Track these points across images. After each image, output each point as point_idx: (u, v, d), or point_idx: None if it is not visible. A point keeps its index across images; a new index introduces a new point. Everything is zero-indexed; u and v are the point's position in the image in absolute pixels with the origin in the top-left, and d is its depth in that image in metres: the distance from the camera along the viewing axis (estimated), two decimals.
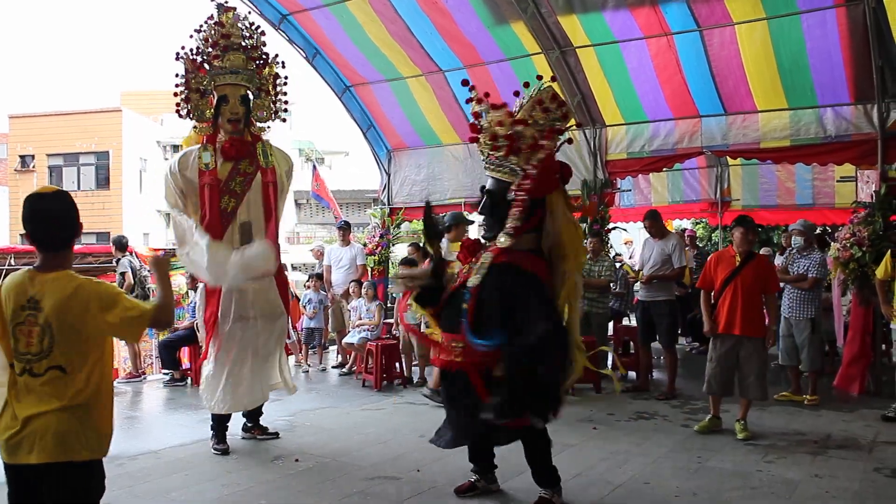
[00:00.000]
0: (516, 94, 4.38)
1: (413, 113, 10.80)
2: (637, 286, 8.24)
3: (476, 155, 10.50)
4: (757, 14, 7.79)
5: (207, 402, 5.59)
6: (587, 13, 8.58)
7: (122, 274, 9.38)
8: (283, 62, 5.97)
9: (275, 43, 10.08)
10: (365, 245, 11.08)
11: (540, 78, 4.42)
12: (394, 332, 9.11)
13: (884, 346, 7.87)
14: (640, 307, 7.99)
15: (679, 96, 8.94)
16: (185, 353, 9.39)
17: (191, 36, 5.67)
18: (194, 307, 9.53)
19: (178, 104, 5.68)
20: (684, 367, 8.35)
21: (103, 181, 28.54)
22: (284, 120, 6.05)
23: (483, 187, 4.38)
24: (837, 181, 11.66)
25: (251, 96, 5.77)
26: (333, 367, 9.71)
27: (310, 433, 6.30)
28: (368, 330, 8.80)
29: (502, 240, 4.15)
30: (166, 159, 29.84)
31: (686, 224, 16.56)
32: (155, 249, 14.88)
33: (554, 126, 4.26)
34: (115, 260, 9.89)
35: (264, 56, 5.84)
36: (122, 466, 5.25)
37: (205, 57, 5.65)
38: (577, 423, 6.43)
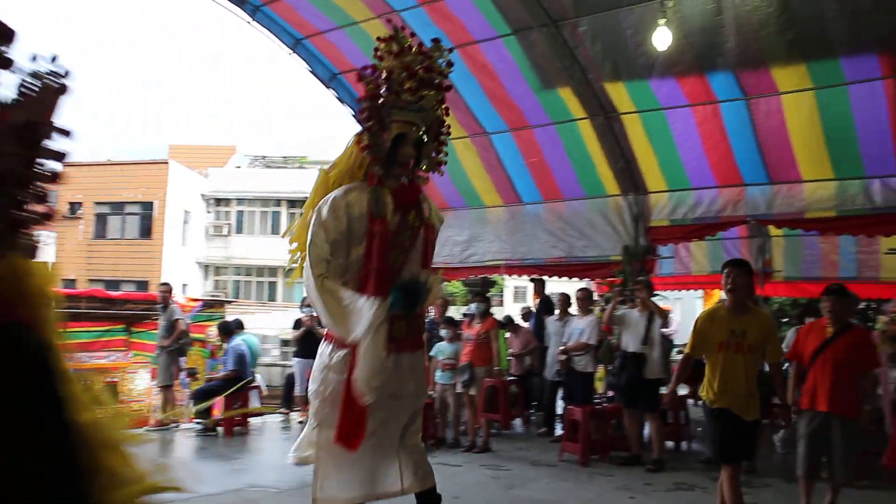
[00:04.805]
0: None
1: (457, 174, 10.81)
2: None
3: (520, 217, 10.72)
4: (804, 84, 7.76)
5: (329, 492, 3.93)
6: (633, 80, 8.66)
7: (177, 321, 9.72)
8: (447, 108, 4.82)
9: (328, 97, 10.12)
10: None
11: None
12: (428, 392, 9.00)
13: None
14: None
15: (724, 164, 8.89)
16: (217, 405, 9.40)
17: (380, 57, 4.39)
18: (230, 359, 9.64)
19: (361, 131, 4.41)
20: None
21: (146, 231, 29.13)
22: (441, 174, 4.77)
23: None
24: (884, 253, 11.45)
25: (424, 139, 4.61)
26: None
27: None
28: None
29: None
30: (209, 212, 30.38)
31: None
32: (193, 300, 15.07)
33: None
34: (160, 307, 10.21)
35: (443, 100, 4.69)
36: None
37: (392, 86, 4.39)
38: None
